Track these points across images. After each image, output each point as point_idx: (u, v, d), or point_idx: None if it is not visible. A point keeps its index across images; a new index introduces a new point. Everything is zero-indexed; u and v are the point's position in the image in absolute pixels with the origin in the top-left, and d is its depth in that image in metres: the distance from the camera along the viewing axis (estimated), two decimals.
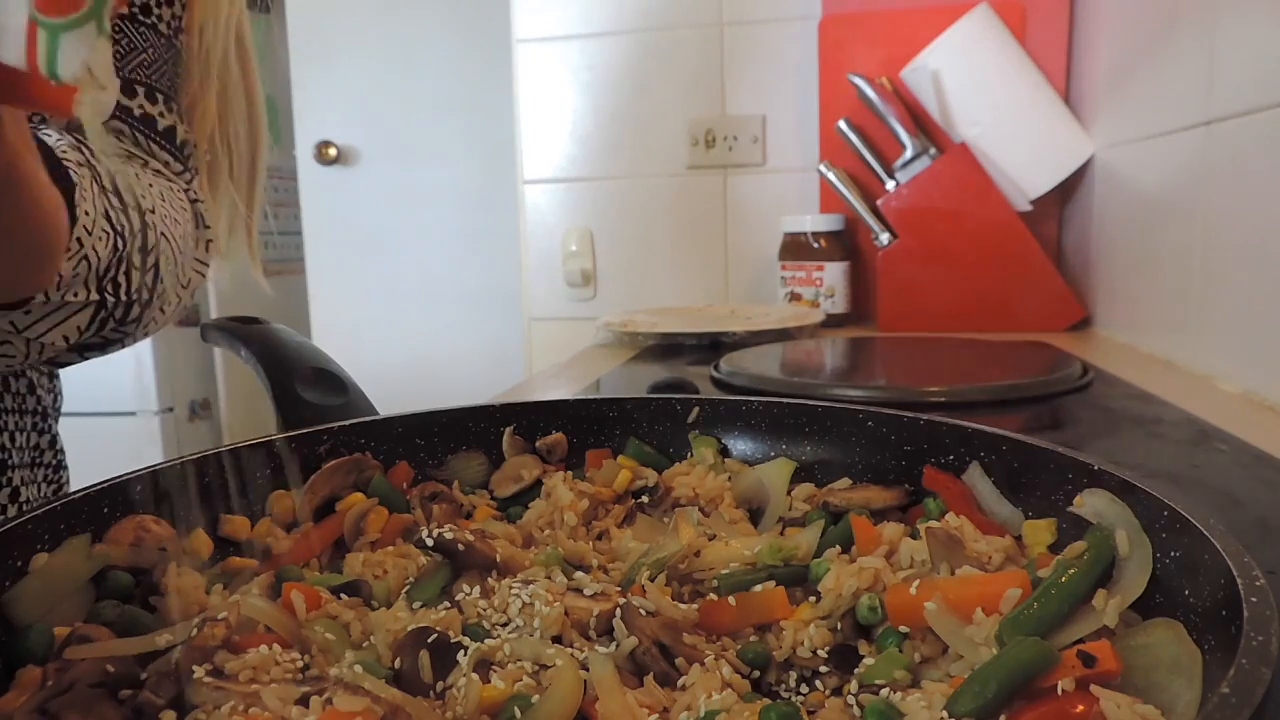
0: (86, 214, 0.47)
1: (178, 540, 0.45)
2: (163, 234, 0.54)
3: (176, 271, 0.57)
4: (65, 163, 0.46)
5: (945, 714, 0.30)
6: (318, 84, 2.72)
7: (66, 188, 0.45)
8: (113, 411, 2.70)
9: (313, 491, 0.50)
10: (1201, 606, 0.33)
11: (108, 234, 0.49)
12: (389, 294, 2.75)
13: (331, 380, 0.64)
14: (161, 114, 0.63)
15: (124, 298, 0.52)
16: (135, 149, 0.60)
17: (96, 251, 0.48)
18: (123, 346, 0.60)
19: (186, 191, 0.62)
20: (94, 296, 0.51)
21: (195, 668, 0.33)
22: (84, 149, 0.50)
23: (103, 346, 0.58)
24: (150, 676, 0.34)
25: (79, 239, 0.47)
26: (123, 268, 0.52)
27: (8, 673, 0.35)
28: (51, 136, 0.49)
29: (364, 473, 0.52)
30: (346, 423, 0.54)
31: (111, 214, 0.50)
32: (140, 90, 0.61)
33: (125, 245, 0.51)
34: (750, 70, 1.66)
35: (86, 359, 0.59)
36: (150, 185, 0.56)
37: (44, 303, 0.48)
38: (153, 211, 0.53)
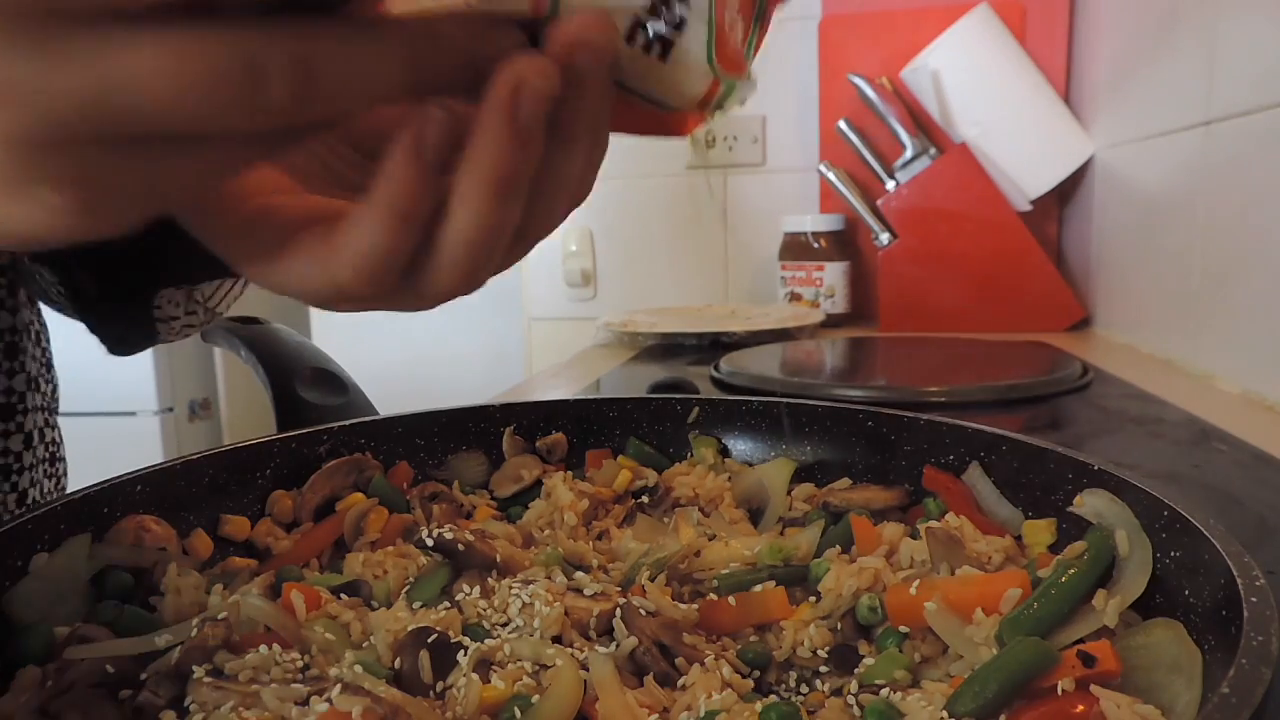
0: None
1: (178, 540, 0.45)
2: None
3: None
4: None
5: (945, 714, 0.30)
6: None
7: None
8: (113, 411, 2.70)
9: (313, 491, 0.50)
10: (1201, 606, 0.33)
11: None
12: None
13: (331, 380, 0.64)
14: None
15: None
16: None
17: None
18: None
19: None
20: None
21: (195, 668, 0.33)
22: None
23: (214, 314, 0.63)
24: (150, 676, 0.34)
25: None
26: None
27: (8, 673, 0.35)
28: None
29: (364, 473, 0.52)
30: (346, 423, 0.54)
31: None
32: None
33: None
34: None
35: (217, 318, 0.64)
36: None
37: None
38: None
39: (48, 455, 0.70)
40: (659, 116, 0.32)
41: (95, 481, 0.44)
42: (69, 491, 0.44)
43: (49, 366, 0.71)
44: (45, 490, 0.70)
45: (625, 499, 0.53)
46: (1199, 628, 0.32)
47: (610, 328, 1.39)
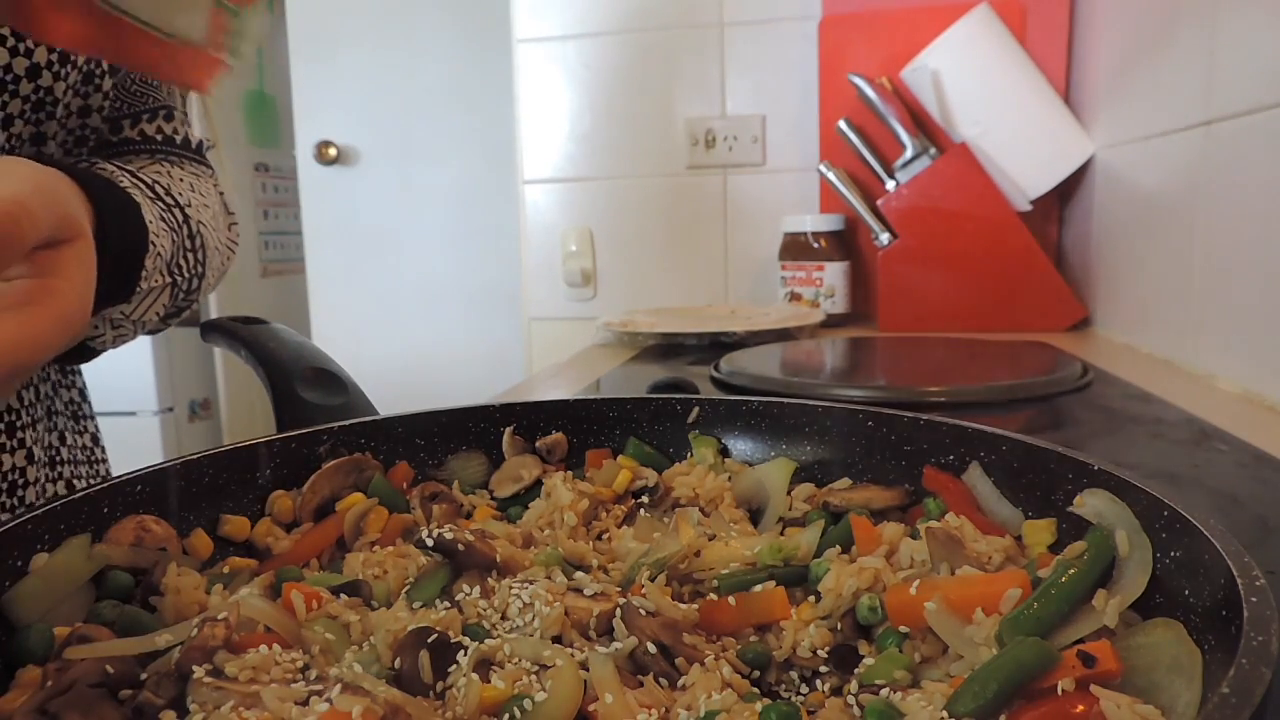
0: (150, 221, 0.57)
1: (178, 540, 0.45)
2: (200, 222, 0.66)
3: (216, 247, 0.70)
4: (124, 186, 0.56)
5: (945, 714, 0.30)
6: (318, 84, 2.72)
7: (133, 204, 0.56)
8: (113, 411, 2.70)
9: (313, 491, 0.50)
10: (1201, 606, 0.33)
11: (166, 231, 0.60)
12: (389, 294, 2.75)
13: (331, 380, 0.64)
14: (175, 129, 0.71)
15: (186, 275, 0.65)
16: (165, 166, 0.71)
17: (164, 246, 0.60)
18: (182, 315, 0.70)
19: (215, 185, 0.74)
20: (167, 280, 0.62)
21: (195, 668, 0.33)
22: (127, 172, 0.61)
23: (176, 314, 0.68)
24: (150, 676, 0.34)
25: (152, 240, 0.57)
26: (181, 254, 0.63)
27: (8, 673, 0.35)
28: (107, 169, 0.59)
29: (364, 473, 0.52)
30: (346, 423, 0.54)
31: (164, 215, 0.61)
32: (176, 115, 0.71)
33: (179, 237, 0.63)
34: (750, 70, 1.66)
35: (168, 325, 0.69)
36: (182, 179, 0.67)
37: (141, 293, 0.59)
38: (189, 205, 0.65)
39: (85, 458, 0.72)
40: (169, 51, 0.30)
41: (95, 481, 0.44)
42: (68, 492, 0.44)
43: (66, 372, 0.73)
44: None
45: (625, 499, 0.53)
46: (1199, 628, 0.32)
47: (610, 328, 1.39)
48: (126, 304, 0.59)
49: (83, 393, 0.76)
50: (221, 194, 0.75)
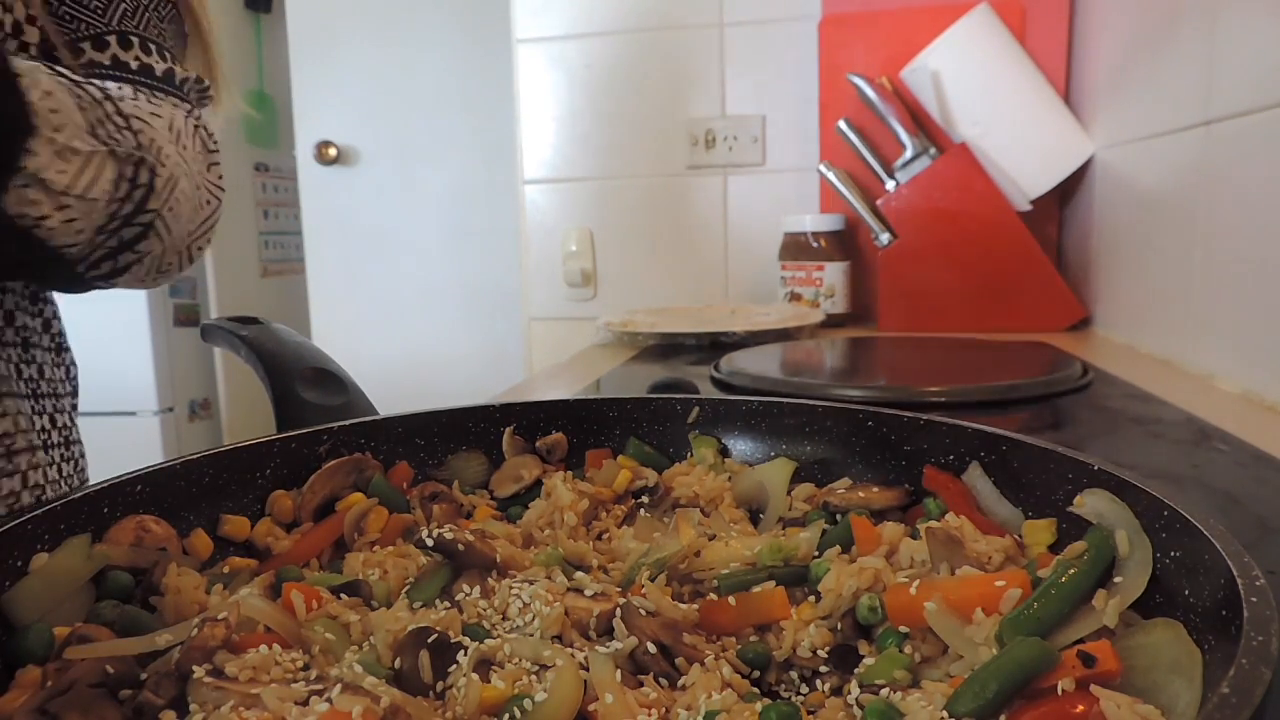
0: (22, 74, 0.52)
1: (178, 540, 0.45)
2: (140, 118, 0.60)
3: (179, 164, 0.63)
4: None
5: (945, 714, 0.30)
6: (318, 84, 2.72)
7: None
8: (113, 411, 2.70)
9: (313, 491, 0.50)
10: (1201, 606, 0.33)
11: (68, 93, 0.54)
12: (389, 294, 2.75)
13: (331, 380, 0.64)
14: (156, 62, 0.68)
15: (125, 152, 0.58)
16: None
17: (64, 103, 0.54)
18: (141, 264, 0.64)
19: (191, 116, 0.69)
20: (99, 146, 0.56)
21: (195, 668, 0.33)
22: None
23: (143, 231, 0.62)
24: (150, 676, 0.34)
25: (30, 87, 0.51)
26: (106, 125, 0.57)
27: (8, 673, 0.35)
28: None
29: (364, 473, 0.52)
30: (346, 423, 0.54)
31: (72, 88, 0.55)
32: (135, 42, 0.67)
33: (99, 111, 0.57)
34: (750, 70, 1.66)
35: (136, 253, 0.62)
36: (120, 88, 0.62)
37: (60, 150, 0.53)
38: (121, 99, 0.60)
39: (60, 440, 0.71)
40: None
41: (95, 481, 0.44)
42: (72, 490, 0.44)
43: (59, 353, 0.72)
44: (63, 474, 0.71)
45: (625, 499, 0.53)
46: (1199, 628, 0.32)
47: (610, 328, 1.39)
48: (56, 173, 0.53)
49: (48, 324, 0.73)
50: (203, 128, 0.70)
